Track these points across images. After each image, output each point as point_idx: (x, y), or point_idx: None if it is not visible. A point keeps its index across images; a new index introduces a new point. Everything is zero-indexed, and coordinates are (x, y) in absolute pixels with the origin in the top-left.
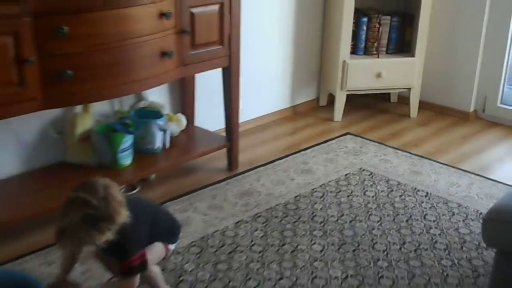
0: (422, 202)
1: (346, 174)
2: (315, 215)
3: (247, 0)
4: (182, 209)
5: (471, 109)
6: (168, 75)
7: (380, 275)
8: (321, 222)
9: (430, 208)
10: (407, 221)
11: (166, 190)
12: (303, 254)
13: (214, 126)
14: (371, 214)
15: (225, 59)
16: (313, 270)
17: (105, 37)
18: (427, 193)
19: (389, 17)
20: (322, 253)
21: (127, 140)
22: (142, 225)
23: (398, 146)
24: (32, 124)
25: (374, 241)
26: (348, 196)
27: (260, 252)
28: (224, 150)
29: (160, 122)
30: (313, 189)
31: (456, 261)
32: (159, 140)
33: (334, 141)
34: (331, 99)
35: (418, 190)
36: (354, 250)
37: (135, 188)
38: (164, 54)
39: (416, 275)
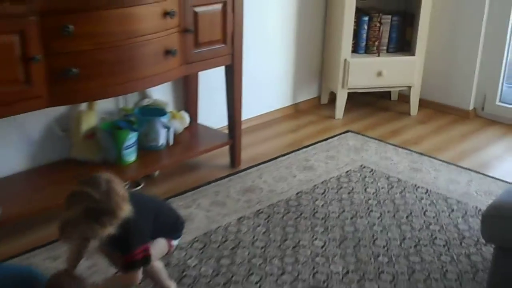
0: (422, 199)
1: (347, 171)
2: (316, 212)
3: None
4: (185, 205)
5: (471, 107)
6: (172, 73)
7: (380, 270)
8: (322, 218)
9: (429, 204)
10: (407, 217)
11: (170, 187)
12: (304, 249)
13: (217, 124)
14: (371, 211)
15: (228, 57)
16: (315, 265)
17: (110, 35)
18: (427, 190)
19: (389, 17)
20: (324, 248)
21: (132, 137)
22: (145, 220)
23: (398, 143)
24: (38, 121)
25: (375, 237)
26: (349, 193)
27: (262, 247)
28: (227, 147)
29: (164, 119)
30: (315, 185)
31: (455, 257)
32: (162, 137)
33: (335, 138)
34: (333, 97)
35: (418, 187)
36: (355, 246)
37: (139, 185)
38: (168, 52)
39: (416, 270)
